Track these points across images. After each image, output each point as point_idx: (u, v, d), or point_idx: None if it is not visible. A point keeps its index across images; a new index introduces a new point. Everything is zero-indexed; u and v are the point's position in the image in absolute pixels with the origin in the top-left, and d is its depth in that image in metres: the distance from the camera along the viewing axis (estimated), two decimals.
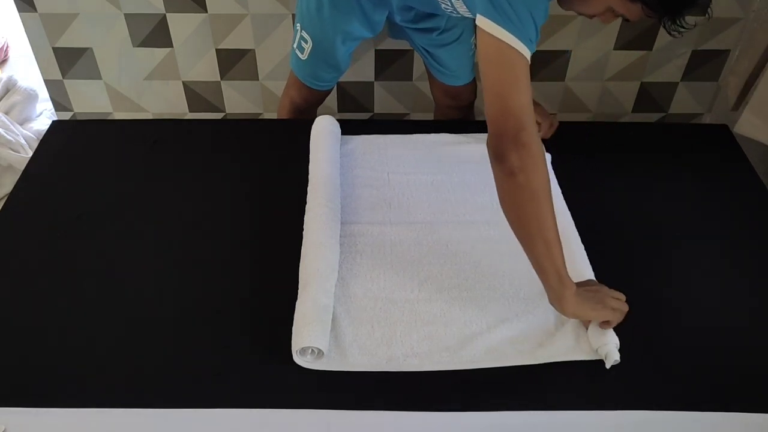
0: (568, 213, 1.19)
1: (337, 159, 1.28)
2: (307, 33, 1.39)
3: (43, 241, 1.15)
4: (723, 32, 1.76)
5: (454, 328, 1.00)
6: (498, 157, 0.92)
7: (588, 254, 1.13)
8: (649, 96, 1.92)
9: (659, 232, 1.19)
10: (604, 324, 0.97)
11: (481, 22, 0.92)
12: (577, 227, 1.18)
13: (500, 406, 0.91)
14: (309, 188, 1.20)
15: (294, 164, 1.30)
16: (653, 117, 1.98)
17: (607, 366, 0.95)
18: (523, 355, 0.97)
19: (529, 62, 0.92)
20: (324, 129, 1.33)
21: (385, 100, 1.92)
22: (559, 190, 1.23)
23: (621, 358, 0.97)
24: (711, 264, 1.14)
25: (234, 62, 1.83)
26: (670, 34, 0.95)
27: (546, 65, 1.84)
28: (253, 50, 1.80)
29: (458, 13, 1.18)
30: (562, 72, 1.85)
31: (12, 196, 1.24)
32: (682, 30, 0.93)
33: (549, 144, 1.37)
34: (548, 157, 1.24)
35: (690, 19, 0.96)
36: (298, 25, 1.41)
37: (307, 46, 1.41)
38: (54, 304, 1.04)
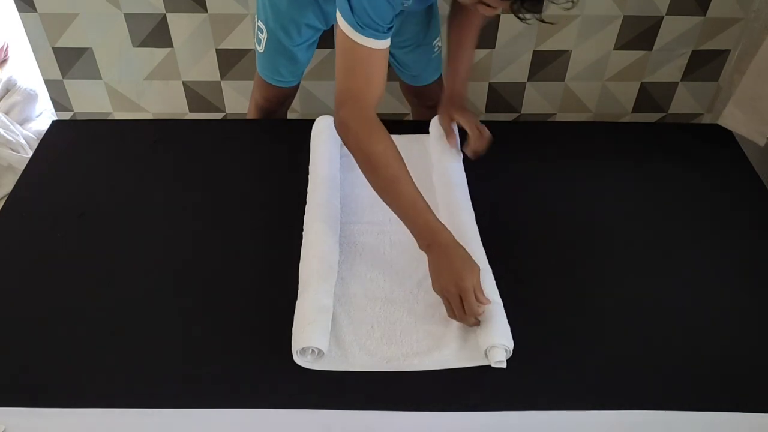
0: (471, 211, 1.17)
1: (337, 159, 1.28)
2: (262, 22, 1.39)
3: (44, 241, 1.15)
4: (723, 32, 1.77)
5: (454, 327, 1.00)
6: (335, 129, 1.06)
7: (588, 255, 1.13)
8: (649, 96, 1.92)
9: (659, 232, 1.19)
10: (450, 312, 0.97)
11: (337, 3, 0.99)
12: (576, 227, 1.18)
13: (500, 406, 0.91)
14: (309, 188, 1.20)
15: (294, 164, 1.30)
16: (653, 117, 1.98)
17: (493, 365, 0.93)
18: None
19: (376, 48, 0.99)
20: (324, 129, 1.33)
21: (385, 100, 1.92)
22: (466, 188, 1.23)
23: (622, 358, 0.97)
24: (711, 264, 1.13)
25: (234, 62, 1.83)
26: (520, 19, 0.94)
27: (546, 65, 1.84)
28: (253, 50, 1.80)
29: None
30: (562, 72, 1.86)
31: (12, 196, 1.24)
32: (531, 17, 0.93)
33: (548, 143, 1.38)
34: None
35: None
36: (256, 16, 1.41)
37: (263, 37, 1.40)
38: (54, 303, 1.04)
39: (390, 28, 1.01)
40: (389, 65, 1.56)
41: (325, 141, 1.30)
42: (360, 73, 1.01)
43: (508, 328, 0.96)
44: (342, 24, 0.98)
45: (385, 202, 1.02)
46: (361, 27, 0.97)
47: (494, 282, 1.03)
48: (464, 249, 0.99)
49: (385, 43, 1.01)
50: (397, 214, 1.02)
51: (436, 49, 1.49)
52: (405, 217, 1.01)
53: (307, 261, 1.06)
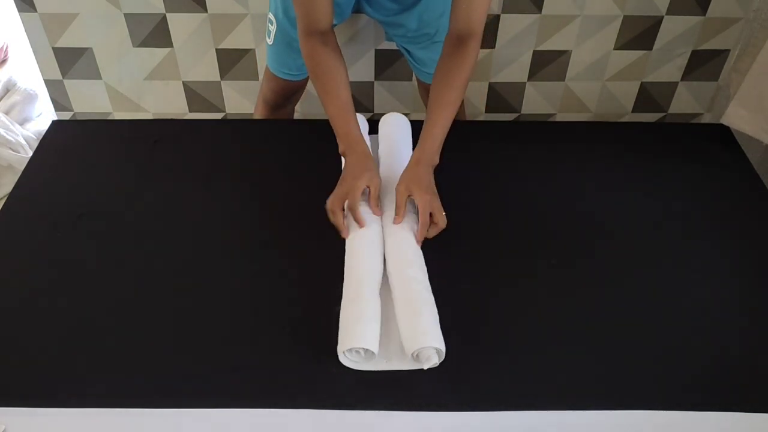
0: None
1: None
2: (273, 14, 1.40)
3: (43, 241, 1.15)
4: (723, 32, 1.77)
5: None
6: None
7: (588, 254, 1.13)
8: (649, 96, 1.92)
9: (659, 232, 1.19)
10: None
11: None
12: (576, 227, 1.18)
13: (500, 406, 0.91)
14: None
15: (294, 164, 1.30)
16: (653, 117, 1.98)
17: (425, 367, 0.93)
18: None
19: None
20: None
21: (385, 100, 1.92)
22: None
23: (622, 358, 0.97)
24: (711, 264, 1.14)
25: (234, 62, 1.83)
26: None
27: (546, 65, 1.84)
28: (253, 50, 1.80)
29: None
30: (562, 72, 1.85)
31: (12, 196, 1.24)
32: None
33: (548, 143, 1.38)
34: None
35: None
36: (268, 8, 1.42)
37: (273, 29, 1.41)
38: (54, 303, 1.04)
39: None
40: (408, 65, 1.58)
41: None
42: (307, 7, 1.16)
43: (434, 327, 0.95)
44: None
45: (323, 107, 1.19)
46: None
47: (426, 278, 1.03)
48: (372, 163, 1.15)
49: None
50: (329, 118, 1.18)
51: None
52: (333, 123, 1.18)
53: (355, 261, 1.06)
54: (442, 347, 0.93)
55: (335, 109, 1.17)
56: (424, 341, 0.93)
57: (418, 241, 1.09)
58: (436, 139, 1.15)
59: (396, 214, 1.11)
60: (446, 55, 1.19)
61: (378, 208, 1.12)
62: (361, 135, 1.18)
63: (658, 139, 1.42)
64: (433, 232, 1.10)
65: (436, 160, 1.15)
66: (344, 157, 1.17)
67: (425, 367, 0.93)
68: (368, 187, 1.12)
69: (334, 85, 1.18)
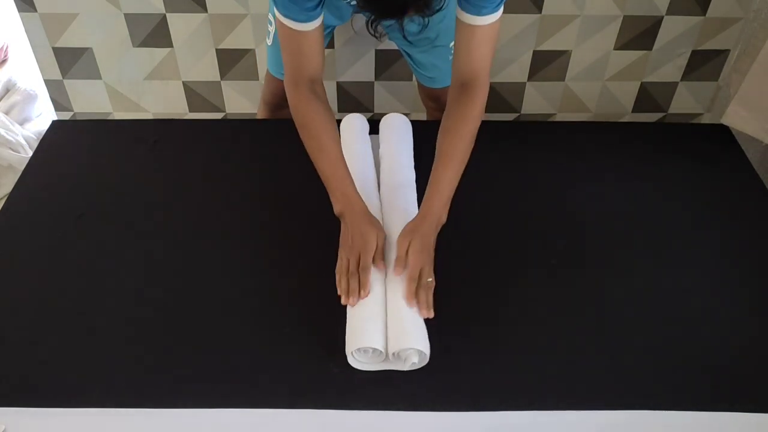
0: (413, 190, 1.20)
1: (370, 160, 1.27)
2: (272, 14, 1.39)
3: (43, 241, 1.15)
4: (723, 32, 1.77)
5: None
6: None
7: (588, 254, 1.13)
8: (649, 96, 1.92)
9: (659, 232, 1.19)
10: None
11: None
12: (576, 227, 1.18)
13: (500, 406, 0.91)
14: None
15: (294, 164, 1.30)
16: (653, 117, 1.98)
17: (406, 368, 0.93)
18: None
19: (301, 31, 1.05)
20: (353, 127, 1.32)
21: (385, 100, 1.92)
22: (413, 173, 1.24)
23: (622, 358, 0.97)
24: (710, 264, 1.14)
25: (234, 62, 1.83)
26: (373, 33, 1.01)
27: (546, 65, 1.84)
28: (253, 50, 1.80)
29: None
30: (562, 72, 1.85)
31: (12, 196, 1.24)
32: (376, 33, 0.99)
33: (548, 143, 1.38)
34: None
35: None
36: (268, 9, 1.41)
37: (272, 30, 1.40)
38: (54, 304, 1.04)
39: (315, 9, 1.04)
40: (408, 66, 1.57)
41: (355, 139, 1.29)
42: (295, 52, 1.09)
43: (416, 329, 0.95)
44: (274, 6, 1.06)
45: (313, 161, 1.11)
46: (284, 10, 1.04)
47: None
48: (374, 218, 1.06)
49: (309, 26, 1.06)
50: (320, 174, 1.10)
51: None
52: (326, 181, 1.10)
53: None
54: (424, 349, 0.93)
55: (328, 167, 1.09)
56: (405, 342, 0.93)
57: (406, 298, 0.99)
58: (443, 195, 1.07)
59: (397, 264, 1.02)
60: (452, 104, 1.12)
61: (382, 262, 1.03)
62: (357, 192, 1.09)
63: (658, 139, 1.42)
64: (424, 295, 0.99)
65: (444, 219, 1.07)
66: (342, 218, 1.08)
67: (406, 368, 0.93)
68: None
69: (324, 141, 1.10)
